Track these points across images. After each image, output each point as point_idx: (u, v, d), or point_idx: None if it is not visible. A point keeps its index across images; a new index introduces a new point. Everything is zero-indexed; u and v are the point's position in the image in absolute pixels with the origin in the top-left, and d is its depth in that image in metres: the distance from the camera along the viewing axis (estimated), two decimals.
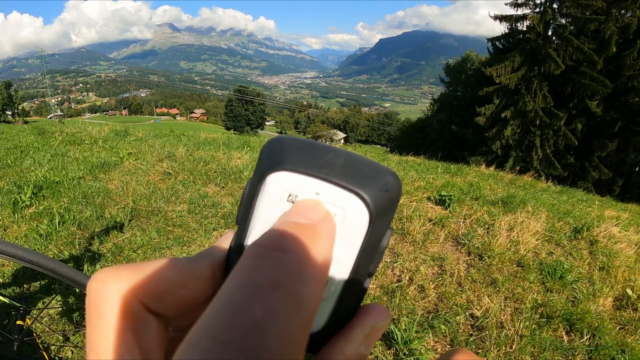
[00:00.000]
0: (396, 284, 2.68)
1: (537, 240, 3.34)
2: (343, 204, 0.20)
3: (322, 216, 0.19)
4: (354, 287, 0.22)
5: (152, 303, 0.20)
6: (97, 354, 0.18)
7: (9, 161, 4.76)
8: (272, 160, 0.21)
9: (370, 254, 0.22)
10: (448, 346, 2.23)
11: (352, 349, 0.21)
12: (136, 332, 0.19)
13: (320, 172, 0.20)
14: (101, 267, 2.75)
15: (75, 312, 2.28)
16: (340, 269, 0.21)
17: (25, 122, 30.62)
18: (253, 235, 0.22)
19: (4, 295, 1.78)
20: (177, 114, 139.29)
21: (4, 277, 2.56)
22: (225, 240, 0.23)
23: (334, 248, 0.20)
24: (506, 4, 22.02)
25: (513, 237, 3.32)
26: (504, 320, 2.41)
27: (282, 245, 0.17)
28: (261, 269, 0.16)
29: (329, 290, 0.21)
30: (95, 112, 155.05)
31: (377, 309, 0.22)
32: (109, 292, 0.19)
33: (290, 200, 0.21)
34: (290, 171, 0.21)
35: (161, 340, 0.20)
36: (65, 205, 3.55)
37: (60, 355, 2.05)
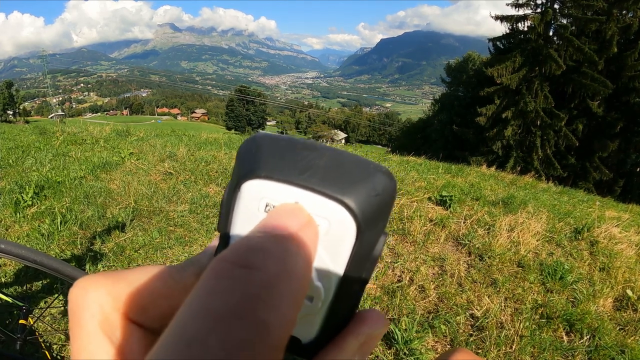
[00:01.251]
0: (397, 284, 2.68)
1: (537, 240, 3.34)
2: (326, 213, 0.18)
3: (302, 223, 0.17)
4: (345, 298, 0.20)
5: (135, 314, 0.19)
6: None
7: (11, 161, 4.77)
8: (246, 165, 0.19)
9: (361, 264, 0.20)
10: (448, 346, 2.24)
11: (346, 359, 0.20)
12: (118, 344, 0.18)
13: (299, 178, 0.18)
14: (103, 267, 2.75)
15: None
16: (328, 281, 0.19)
17: (27, 122, 30.68)
18: None
19: (6, 295, 1.79)
20: (178, 114, 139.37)
21: (6, 276, 2.57)
22: (213, 247, 0.22)
23: (320, 260, 0.19)
24: (507, 5, 22.03)
25: (513, 237, 3.33)
26: (504, 320, 2.42)
27: (249, 260, 0.14)
28: (221, 291, 0.14)
29: (317, 306, 0.20)
30: (97, 112, 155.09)
31: (373, 316, 0.21)
32: (88, 301, 0.18)
33: (268, 211, 0.19)
34: (266, 179, 0.19)
35: (146, 352, 0.18)
36: (67, 205, 3.56)
37: (62, 354, 2.06)
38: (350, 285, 0.20)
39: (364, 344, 0.20)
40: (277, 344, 0.14)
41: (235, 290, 0.14)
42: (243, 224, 0.20)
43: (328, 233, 0.19)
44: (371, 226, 0.19)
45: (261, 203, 0.19)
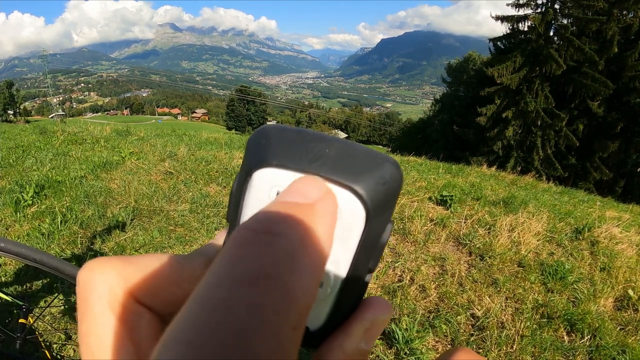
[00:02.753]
0: (397, 284, 2.68)
1: (538, 240, 3.34)
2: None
3: (322, 193, 0.18)
4: (353, 285, 0.21)
5: (144, 297, 0.18)
6: (89, 346, 0.17)
7: (11, 160, 4.77)
8: (257, 155, 0.20)
9: (369, 250, 0.20)
10: (449, 345, 2.23)
11: (352, 344, 0.20)
12: (127, 324, 0.18)
13: (310, 166, 0.19)
14: None
15: (77, 310, 2.29)
16: (338, 267, 0.20)
17: (27, 122, 30.70)
18: None
19: (6, 294, 1.79)
20: (178, 113, 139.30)
21: (6, 275, 2.57)
22: (221, 238, 0.23)
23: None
24: (507, 5, 22.03)
25: (514, 237, 3.32)
26: (504, 320, 2.42)
27: (272, 227, 0.15)
28: (246, 257, 0.14)
29: (326, 292, 0.20)
30: (97, 112, 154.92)
31: (377, 302, 0.21)
32: (97, 282, 0.18)
33: None
34: (278, 167, 0.19)
35: (157, 335, 0.18)
36: (68, 204, 3.56)
37: (62, 354, 2.06)
38: (359, 271, 0.21)
39: (369, 330, 0.21)
40: (301, 313, 0.13)
41: (260, 256, 0.14)
42: (254, 211, 0.19)
43: (339, 219, 0.19)
44: (379, 213, 0.20)
45: (272, 191, 0.19)
